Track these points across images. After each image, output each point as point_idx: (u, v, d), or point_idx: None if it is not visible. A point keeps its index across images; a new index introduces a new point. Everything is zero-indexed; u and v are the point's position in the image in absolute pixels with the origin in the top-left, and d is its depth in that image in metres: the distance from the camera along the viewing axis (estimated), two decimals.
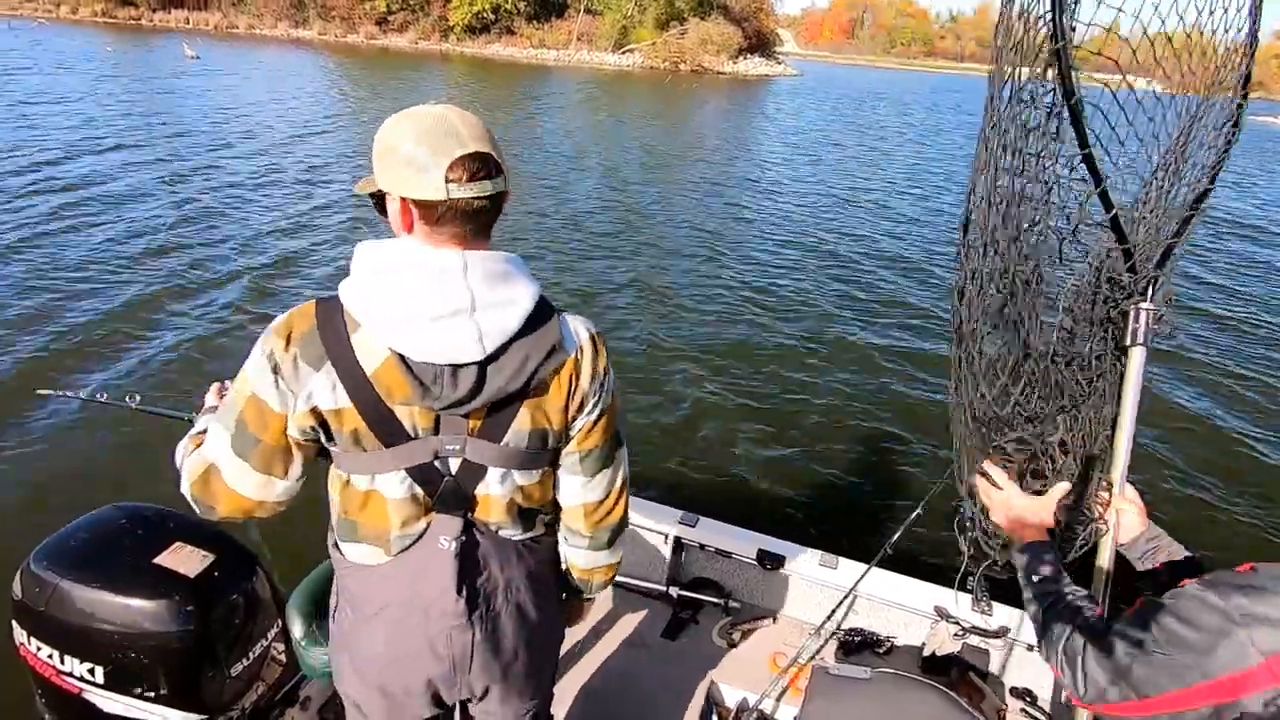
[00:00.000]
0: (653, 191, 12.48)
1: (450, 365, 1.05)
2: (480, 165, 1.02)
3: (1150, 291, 1.33)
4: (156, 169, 10.94)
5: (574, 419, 1.19)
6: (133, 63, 26.31)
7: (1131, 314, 1.30)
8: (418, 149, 1.00)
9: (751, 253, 9.21)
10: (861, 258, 9.36)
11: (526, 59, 47.83)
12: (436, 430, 1.11)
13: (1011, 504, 1.25)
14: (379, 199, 1.10)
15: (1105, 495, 1.27)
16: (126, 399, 1.85)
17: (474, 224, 1.06)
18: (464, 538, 1.17)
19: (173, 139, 13.26)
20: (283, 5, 50.46)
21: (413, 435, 1.10)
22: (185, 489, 1.15)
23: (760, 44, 57.29)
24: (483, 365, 1.06)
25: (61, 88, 18.16)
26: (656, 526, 2.52)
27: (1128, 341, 1.29)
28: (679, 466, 4.54)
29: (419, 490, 1.14)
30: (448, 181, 1.00)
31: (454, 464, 1.14)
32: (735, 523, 2.55)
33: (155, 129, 14.07)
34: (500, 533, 1.21)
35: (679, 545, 2.55)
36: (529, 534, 1.26)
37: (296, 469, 1.14)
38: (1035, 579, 1.15)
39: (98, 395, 1.92)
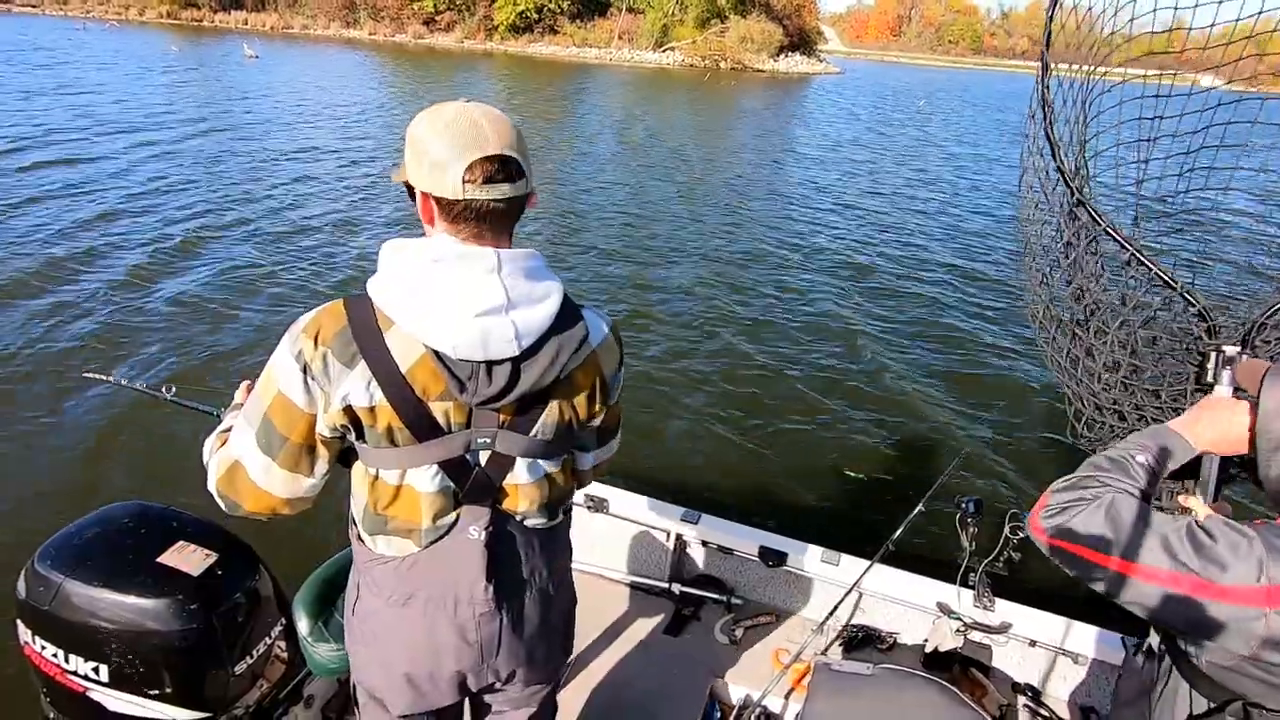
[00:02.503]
0: (673, 188, 12.51)
1: (486, 361, 1.07)
2: (499, 168, 1.03)
3: (1249, 337, 1.34)
4: (217, 164, 11.55)
5: (599, 408, 1.25)
6: (198, 62, 27.71)
7: (1213, 356, 1.30)
8: (440, 147, 1.02)
9: (758, 252, 9.20)
10: (870, 258, 9.35)
11: (568, 57, 48.62)
12: (468, 424, 1.13)
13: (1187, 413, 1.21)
14: (411, 188, 1.12)
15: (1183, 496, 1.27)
16: (163, 389, 1.87)
17: (490, 225, 1.07)
18: (492, 527, 1.20)
19: (233, 135, 14.01)
20: (335, 6, 52.66)
21: (446, 429, 1.12)
22: (212, 485, 1.17)
23: (802, 42, 57.65)
24: (516, 361, 1.09)
25: (134, 86, 19.48)
26: (659, 524, 2.52)
27: (1210, 379, 1.30)
28: (681, 464, 4.54)
29: (450, 483, 1.16)
30: (464, 182, 1.02)
31: (484, 456, 1.17)
32: (737, 519, 2.56)
33: (217, 125, 14.90)
34: (526, 522, 1.24)
35: (681, 542, 2.55)
36: (554, 522, 1.29)
37: (322, 466, 1.16)
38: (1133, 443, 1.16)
39: (136, 383, 1.93)
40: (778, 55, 52.96)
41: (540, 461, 1.22)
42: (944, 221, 11.46)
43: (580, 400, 1.20)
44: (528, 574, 1.26)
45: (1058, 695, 2.28)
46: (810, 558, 2.39)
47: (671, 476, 4.36)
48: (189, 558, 1.53)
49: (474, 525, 1.19)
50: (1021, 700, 2.24)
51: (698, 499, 2.78)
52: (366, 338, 1.06)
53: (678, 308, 7.06)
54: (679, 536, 2.53)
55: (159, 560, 1.50)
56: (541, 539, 1.28)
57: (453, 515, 1.18)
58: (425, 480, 1.15)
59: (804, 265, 8.72)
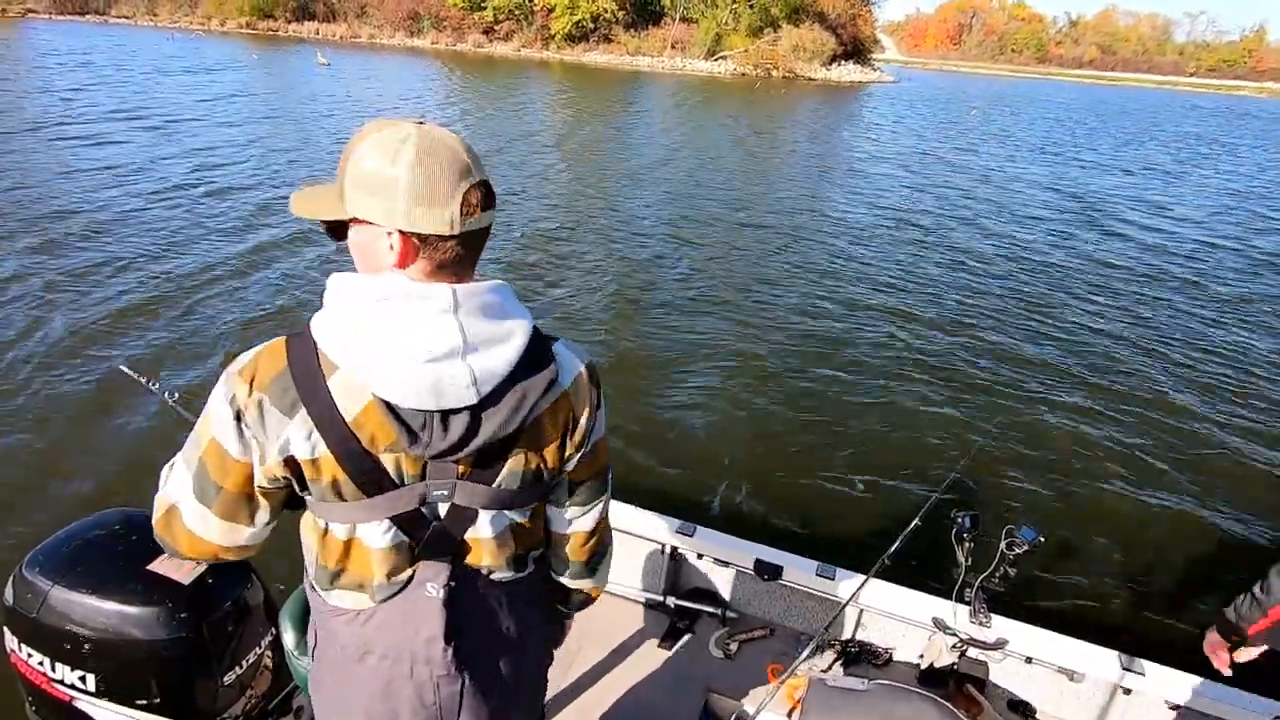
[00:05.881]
0: (695, 195, 12.52)
1: (440, 411, 0.97)
2: (486, 195, 0.96)
3: None
4: (294, 163, 12.53)
5: (571, 455, 1.13)
6: (277, 68, 30.60)
7: None
8: (424, 179, 0.91)
9: (758, 259, 9.21)
10: (876, 269, 9.36)
11: (621, 65, 49.64)
12: (423, 475, 1.04)
13: None
14: (338, 225, 1.00)
15: None
16: (166, 394, 1.88)
17: (472, 254, 0.99)
18: (453, 584, 1.10)
19: (308, 132, 15.40)
20: (400, 16, 55.01)
21: (398, 482, 1.03)
22: (153, 524, 1.10)
23: (856, 50, 57.78)
24: (476, 409, 0.98)
25: (225, 87, 21.96)
26: (654, 536, 2.51)
27: None
28: (677, 476, 4.53)
29: (404, 537, 1.07)
30: (463, 215, 0.93)
31: (442, 508, 1.07)
32: (733, 532, 2.55)
33: (295, 122, 16.53)
34: (491, 576, 1.15)
35: (676, 555, 2.54)
36: (521, 575, 1.20)
37: (264, 516, 1.07)
38: None
39: (151, 384, 1.93)
40: (830, 64, 53.08)
41: (506, 512, 1.11)
42: (964, 233, 11.46)
43: (550, 446, 1.09)
44: (496, 632, 1.17)
45: (1054, 713, 2.27)
46: (806, 572, 2.38)
47: (667, 488, 4.34)
48: (179, 566, 1.51)
49: (432, 582, 1.09)
50: (1016, 718, 2.23)
51: (693, 511, 2.77)
52: (307, 383, 0.96)
53: (673, 316, 7.06)
54: (674, 549, 2.52)
55: (149, 568, 1.49)
56: (511, 593, 1.18)
57: (409, 571, 1.09)
58: (376, 536, 1.06)
59: (804, 275, 8.73)
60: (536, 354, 1.03)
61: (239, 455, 1.00)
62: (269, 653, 1.66)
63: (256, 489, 1.03)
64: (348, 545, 1.08)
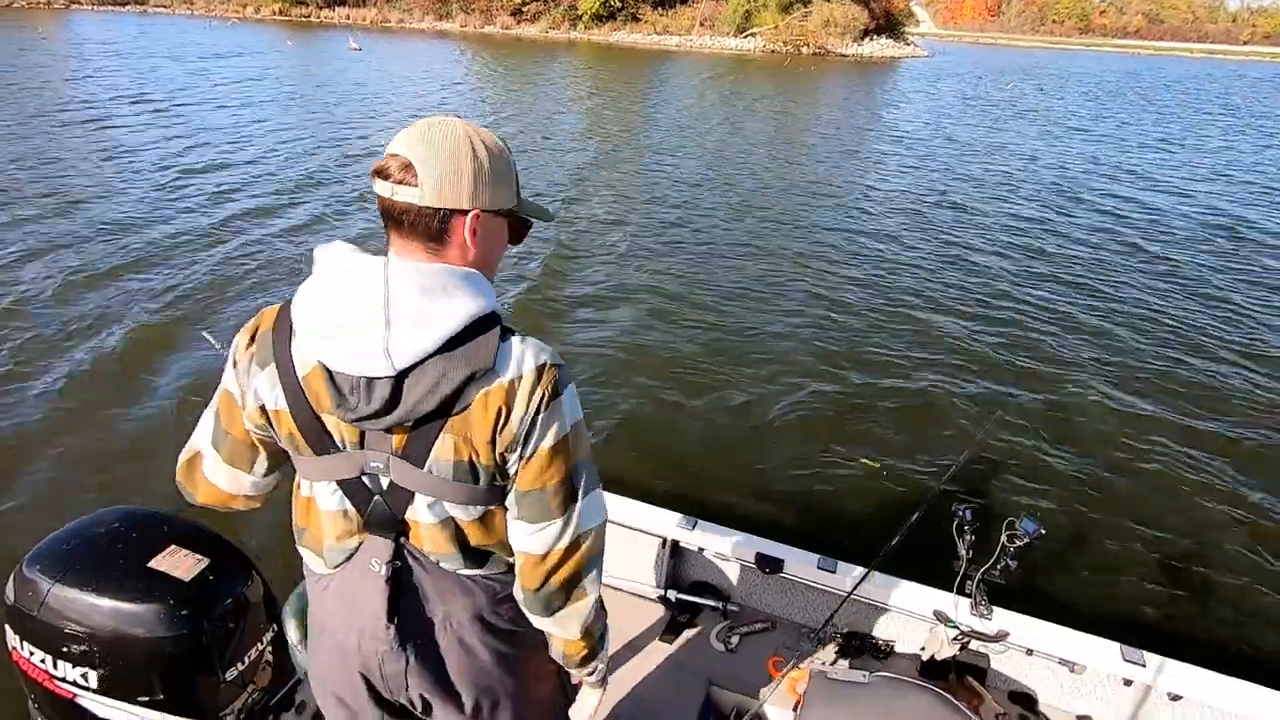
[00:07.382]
0: (713, 179, 12.46)
1: (365, 378, 1.02)
2: (398, 169, 1.01)
3: None
4: (336, 145, 13.26)
5: (505, 454, 1.07)
6: (311, 54, 32.27)
7: None
8: None
9: (770, 255, 9.19)
10: (877, 256, 9.34)
11: (648, 44, 50.03)
12: (362, 444, 1.10)
13: None
14: None
15: None
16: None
17: (399, 229, 1.05)
18: (397, 563, 1.14)
19: (348, 117, 16.35)
20: (429, 0, 56.60)
21: (340, 446, 1.10)
22: (176, 471, 1.23)
23: (889, 24, 57.01)
24: (399, 380, 1.02)
25: (267, 75, 23.14)
26: (654, 530, 2.51)
27: None
28: (676, 469, 4.53)
29: (349, 505, 1.14)
30: (371, 176, 1.05)
31: (384, 481, 1.11)
32: (733, 526, 2.55)
33: (340, 107, 17.63)
34: (441, 564, 1.15)
35: (676, 548, 2.54)
36: (480, 570, 1.17)
37: (262, 465, 1.20)
38: None
39: (224, 349, 1.97)
40: (862, 39, 52.43)
41: (445, 504, 1.10)
42: (976, 219, 11.39)
43: (480, 439, 1.05)
44: (441, 619, 1.17)
45: (1055, 704, 2.27)
46: (807, 565, 2.38)
47: (667, 482, 4.34)
48: (180, 562, 1.51)
49: (376, 558, 1.14)
50: (1018, 710, 2.23)
51: (693, 505, 2.77)
52: (280, 342, 1.09)
53: (677, 310, 7.05)
54: (674, 543, 2.52)
55: (149, 565, 1.49)
56: (464, 585, 1.16)
57: (354, 540, 1.15)
58: (325, 496, 1.15)
59: (815, 268, 8.71)
60: (474, 339, 1.02)
61: (239, 402, 1.14)
62: (270, 648, 1.66)
63: (251, 436, 1.16)
64: (308, 503, 1.18)
